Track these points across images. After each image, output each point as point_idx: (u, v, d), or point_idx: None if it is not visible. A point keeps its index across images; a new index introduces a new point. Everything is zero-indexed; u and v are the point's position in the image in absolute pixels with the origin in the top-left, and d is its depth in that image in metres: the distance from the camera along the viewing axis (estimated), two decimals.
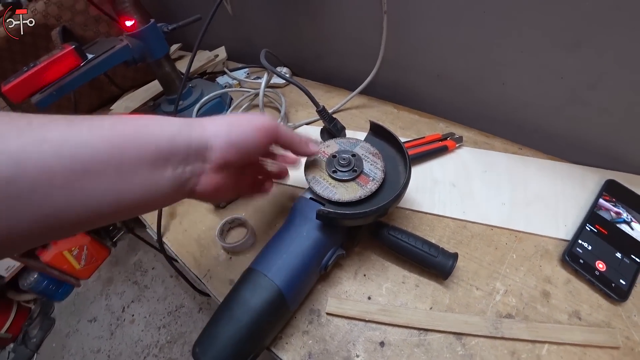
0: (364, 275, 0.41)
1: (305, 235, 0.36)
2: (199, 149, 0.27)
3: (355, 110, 0.64)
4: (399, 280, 0.40)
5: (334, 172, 0.38)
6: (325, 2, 0.59)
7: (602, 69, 0.40)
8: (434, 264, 0.37)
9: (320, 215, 0.34)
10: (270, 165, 0.39)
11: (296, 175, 0.53)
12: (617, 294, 0.36)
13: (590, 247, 0.39)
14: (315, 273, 0.37)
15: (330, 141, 0.42)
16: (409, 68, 0.57)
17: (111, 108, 0.81)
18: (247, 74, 0.80)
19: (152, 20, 0.58)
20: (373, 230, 0.40)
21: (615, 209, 0.42)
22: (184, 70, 0.70)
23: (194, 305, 1.35)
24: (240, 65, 0.83)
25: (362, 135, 0.56)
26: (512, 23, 0.42)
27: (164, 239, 0.51)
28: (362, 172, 0.38)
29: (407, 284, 0.40)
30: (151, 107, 0.73)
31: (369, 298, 0.39)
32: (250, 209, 0.51)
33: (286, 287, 0.33)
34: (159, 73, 0.65)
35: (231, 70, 0.80)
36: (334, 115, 0.50)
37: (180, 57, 0.92)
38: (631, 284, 0.37)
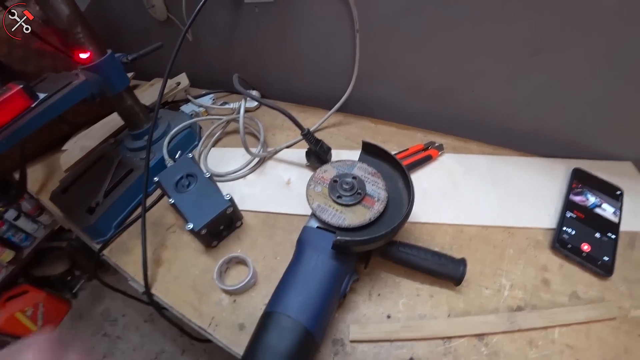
0: (378, 294, 0.41)
1: (320, 267, 0.35)
2: None
3: (333, 128, 0.64)
4: (413, 294, 0.41)
5: (339, 197, 0.38)
6: (294, 24, 0.59)
7: (559, 71, 0.44)
8: (446, 272, 0.38)
9: (337, 245, 0.33)
10: None
11: (286, 202, 0.52)
12: (604, 270, 0.40)
13: (574, 232, 0.43)
14: (336, 303, 0.36)
15: (326, 166, 0.42)
16: (382, 82, 0.59)
17: (64, 149, 0.74)
18: (213, 100, 0.77)
19: (110, 51, 0.53)
20: (383, 250, 0.40)
21: (585, 195, 0.47)
22: (143, 101, 0.66)
23: (176, 349, 1.25)
24: (203, 91, 0.80)
25: (346, 153, 0.57)
26: (479, 35, 0.46)
27: (153, 291, 0.47)
28: (366, 194, 0.38)
29: (421, 296, 0.41)
30: (112, 144, 0.67)
31: (389, 317, 0.39)
32: (245, 245, 0.49)
33: (313, 325, 0.32)
34: (120, 107, 0.60)
35: (195, 97, 0.77)
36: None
37: (135, 87, 0.87)
38: (613, 259, 0.41)
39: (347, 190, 0.38)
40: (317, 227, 0.38)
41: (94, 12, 0.50)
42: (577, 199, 0.46)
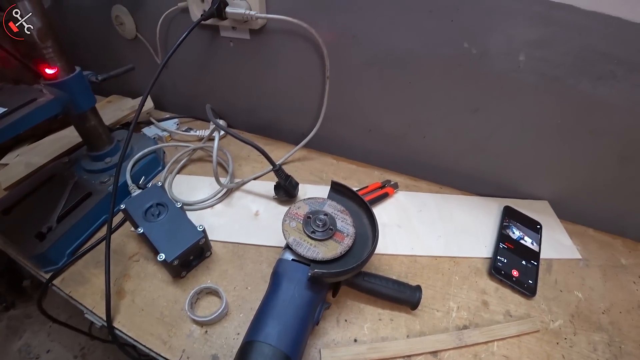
0: (345, 320, 0.45)
1: (297, 296, 0.38)
2: None
3: (297, 162, 0.68)
4: (376, 319, 0.45)
5: (313, 232, 0.41)
6: (269, 63, 0.63)
7: (493, 126, 0.54)
8: (405, 299, 0.44)
9: (314, 277, 0.36)
10: None
11: (255, 233, 0.54)
12: (530, 291, 0.48)
13: (506, 260, 0.51)
14: (311, 329, 0.39)
15: (299, 202, 0.45)
16: (345, 124, 0.65)
17: (3, 163, 0.67)
18: (177, 124, 0.77)
19: (78, 69, 0.52)
20: (350, 280, 0.44)
21: (512, 229, 0.56)
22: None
23: None
24: (167, 115, 0.79)
25: (311, 188, 0.62)
26: (431, 92, 0.54)
27: (115, 324, 0.45)
28: (337, 229, 0.42)
29: (383, 320, 0.45)
30: (66, 164, 0.63)
31: (355, 340, 0.43)
32: (215, 275, 0.50)
33: (293, 352, 0.34)
34: (82, 127, 0.58)
35: (158, 121, 0.76)
36: None
37: None
38: (536, 282, 0.49)
39: (320, 226, 0.42)
40: (292, 259, 0.41)
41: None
42: (508, 232, 0.55)
